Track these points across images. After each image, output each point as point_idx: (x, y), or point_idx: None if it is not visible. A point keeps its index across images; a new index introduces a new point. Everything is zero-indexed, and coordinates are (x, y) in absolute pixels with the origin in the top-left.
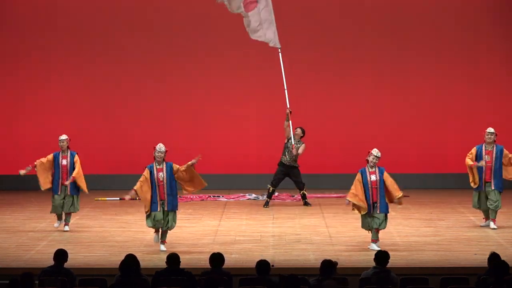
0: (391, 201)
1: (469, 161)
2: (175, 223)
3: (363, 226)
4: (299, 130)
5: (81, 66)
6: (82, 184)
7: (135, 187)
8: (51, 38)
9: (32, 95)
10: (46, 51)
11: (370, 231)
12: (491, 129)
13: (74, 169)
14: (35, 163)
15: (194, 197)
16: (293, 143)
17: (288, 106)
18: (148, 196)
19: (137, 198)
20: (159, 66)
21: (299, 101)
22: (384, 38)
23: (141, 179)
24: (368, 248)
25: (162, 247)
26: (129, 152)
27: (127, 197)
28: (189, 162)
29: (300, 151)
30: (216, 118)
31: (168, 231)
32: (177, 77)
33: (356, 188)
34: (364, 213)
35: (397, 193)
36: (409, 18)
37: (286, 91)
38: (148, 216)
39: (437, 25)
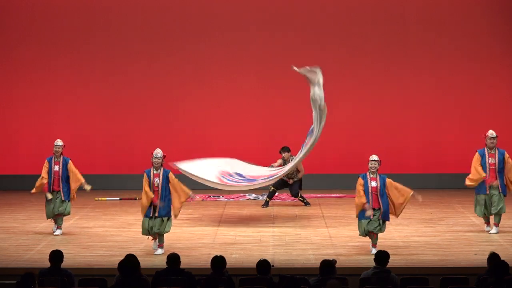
0: (396, 212)
1: (481, 172)
2: (170, 227)
3: (361, 234)
4: (287, 154)
5: (81, 65)
6: (74, 184)
7: (152, 196)
8: (50, 38)
9: (32, 95)
10: (45, 51)
11: (366, 236)
12: (493, 134)
13: (66, 175)
14: (42, 183)
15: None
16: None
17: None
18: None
19: (137, 198)
20: (159, 66)
21: (299, 101)
22: (384, 39)
23: (144, 187)
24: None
25: (159, 251)
26: (129, 152)
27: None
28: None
29: (300, 175)
30: (216, 118)
31: (164, 234)
32: (177, 77)
33: (359, 193)
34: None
35: (407, 193)
36: (409, 19)
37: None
38: (143, 223)
39: (437, 25)
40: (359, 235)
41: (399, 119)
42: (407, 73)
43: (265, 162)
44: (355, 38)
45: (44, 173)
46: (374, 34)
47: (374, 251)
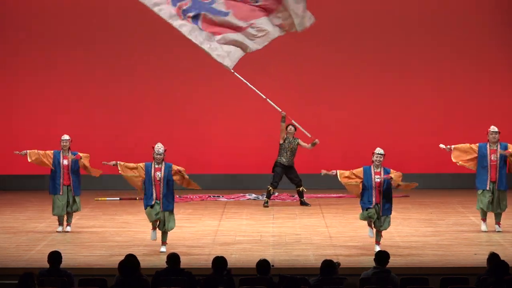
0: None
1: (463, 145)
2: (174, 223)
3: (361, 217)
4: (292, 128)
5: (80, 65)
6: (87, 164)
7: (119, 162)
8: (50, 36)
9: (32, 95)
10: (45, 49)
11: (368, 221)
12: (495, 128)
13: (75, 168)
14: (28, 152)
15: (194, 197)
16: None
17: (281, 110)
18: (138, 182)
19: (137, 198)
20: (159, 65)
21: (300, 102)
22: (385, 39)
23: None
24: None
25: (163, 249)
26: (129, 152)
27: (108, 163)
28: (181, 169)
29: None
30: (216, 118)
31: (168, 232)
32: (177, 77)
33: (350, 173)
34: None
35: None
36: (411, 21)
37: (268, 100)
38: (146, 212)
39: (438, 28)
40: (360, 218)
41: (400, 119)
42: (408, 73)
43: (264, 162)
44: (356, 39)
45: (42, 151)
46: (374, 35)
47: (376, 248)
